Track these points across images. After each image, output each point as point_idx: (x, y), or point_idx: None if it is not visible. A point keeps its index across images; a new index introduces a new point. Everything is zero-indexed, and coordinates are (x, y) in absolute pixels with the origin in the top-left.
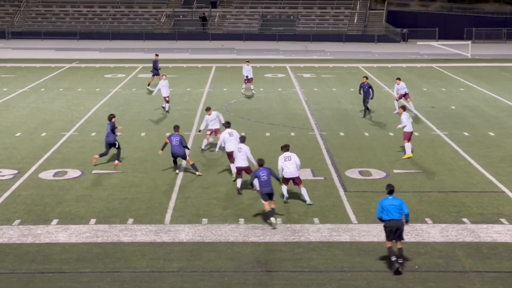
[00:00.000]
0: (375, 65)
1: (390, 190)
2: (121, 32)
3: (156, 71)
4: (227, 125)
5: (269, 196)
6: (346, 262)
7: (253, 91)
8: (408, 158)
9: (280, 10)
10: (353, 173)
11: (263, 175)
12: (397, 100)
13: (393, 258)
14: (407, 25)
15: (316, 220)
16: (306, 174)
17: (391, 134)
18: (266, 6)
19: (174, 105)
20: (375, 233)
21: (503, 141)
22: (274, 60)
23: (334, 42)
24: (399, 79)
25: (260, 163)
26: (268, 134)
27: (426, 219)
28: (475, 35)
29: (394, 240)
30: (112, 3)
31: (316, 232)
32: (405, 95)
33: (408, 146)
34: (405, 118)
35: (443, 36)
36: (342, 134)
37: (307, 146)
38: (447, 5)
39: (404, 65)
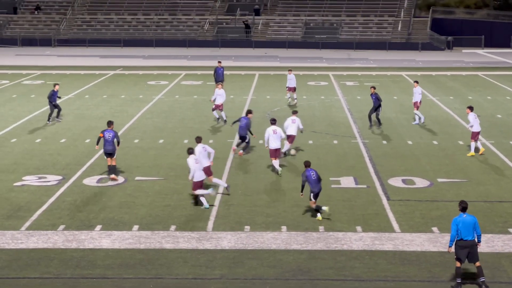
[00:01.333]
0: (419, 73)
1: (463, 207)
2: (164, 39)
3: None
4: (273, 121)
5: (317, 195)
6: (389, 271)
7: (295, 100)
8: (471, 156)
9: (323, 18)
10: (396, 182)
11: (313, 175)
12: (416, 109)
13: (458, 280)
14: (452, 33)
15: (358, 228)
16: (349, 182)
17: (434, 142)
18: (309, 14)
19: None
20: (419, 242)
21: None
22: (317, 68)
23: (378, 50)
24: (417, 82)
25: (307, 164)
26: (311, 142)
27: None
28: None
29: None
30: (156, 10)
31: (359, 240)
32: (415, 103)
33: (473, 145)
34: (472, 118)
35: (489, 44)
36: (385, 142)
37: (349, 154)
38: (493, 12)
39: (448, 73)
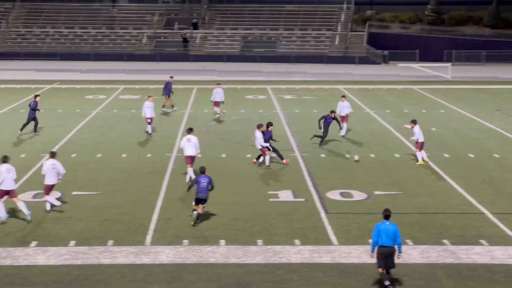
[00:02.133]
0: (356, 86)
1: (386, 215)
2: (102, 53)
3: (168, 92)
4: (189, 130)
5: (200, 201)
6: (327, 283)
7: (218, 114)
8: (420, 165)
9: (261, 31)
10: (334, 195)
11: (203, 182)
12: (340, 122)
13: (387, 283)
14: (387, 47)
15: (297, 241)
16: (287, 196)
17: (372, 155)
18: (247, 28)
19: (155, 126)
20: (356, 254)
21: (483, 162)
22: (255, 81)
23: (315, 63)
24: (344, 96)
25: (202, 170)
26: (249, 155)
27: (407, 240)
28: (455, 58)
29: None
30: (93, 24)
31: (297, 253)
32: (344, 116)
33: (419, 154)
34: (417, 131)
35: (424, 58)
36: (323, 155)
37: (288, 167)
38: (427, 27)
39: (385, 86)
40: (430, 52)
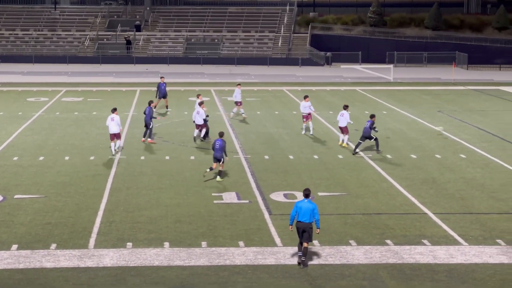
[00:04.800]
0: (299, 88)
1: (306, 194)
2: (44, 55)
3: (162, 93)
4: (113, 110)
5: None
6: (272, 285)
7: (243, 114)
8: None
9: (205, 33)
10: (278, 196)
11: (217, 144)
12: (304, 122)
13: (299, 253)
14: (330, 49)
15: (241, 243)
16: (231, 198)
17: (315, 157)
18: (190, 30)
19: (98, 129)
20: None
21: (425, 163)
22: (199, 83)
23: (259, 65)
24: (307, 96)
25: (220, 134)
26: (192, 157)
27: (350, 241)
28: (397, 59)
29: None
30: (35, 26)
31: (241, 255)
32: (308, 115)
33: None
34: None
35: (366, 59)
36: (267, 157)
37: (231, 169)
38: (369, 29)
39: (328, 88)
40: (372, 53)
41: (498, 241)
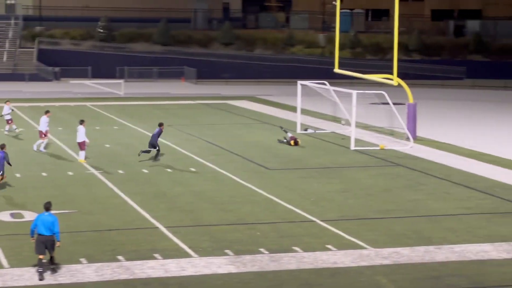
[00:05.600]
0: (26, 104)
1: (47, 207)
2: None
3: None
4: None
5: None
6: None
7: None
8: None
9: None
10: (4, 216)
11: None
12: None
13: (40, 270)
14: (59, 64)
15: None
16: None
17: (44, 174)
18: None
19: None
20: (28, 276)
21: (156, 178)
22: None
23: None
24: (48, 112)
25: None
26: None
27: (80, 259)
28: (127, 74)
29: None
30: None
31: None
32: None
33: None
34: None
35: (97, 75)
36: None
37: None
38: (99, 44)
39: (57, 103)
40: (103, 68)
41: (227, 251)
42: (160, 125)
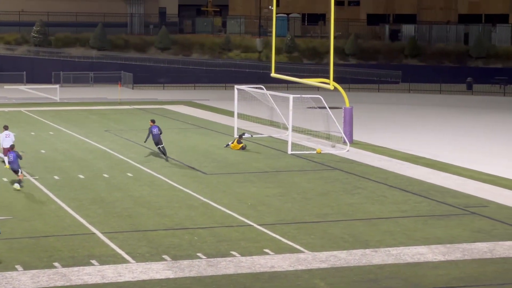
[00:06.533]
0: None
1: None
2: None
3: None
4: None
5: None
6: None
7: None
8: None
9: None
10: None
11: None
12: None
13: None
14: None
15: None
16: None
17: None
18: None
19: None
20: None
21: (93, 183)
22: None
23: None
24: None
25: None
26: None
27: (16, 266)
28: (63, 79)
29: None
30: None
31: None
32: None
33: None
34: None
35: (32, 80)
36: None
37: None
38: (34, 49)
39: None
40: (38, 73)
41: (164, 256)
42: (153, 121)
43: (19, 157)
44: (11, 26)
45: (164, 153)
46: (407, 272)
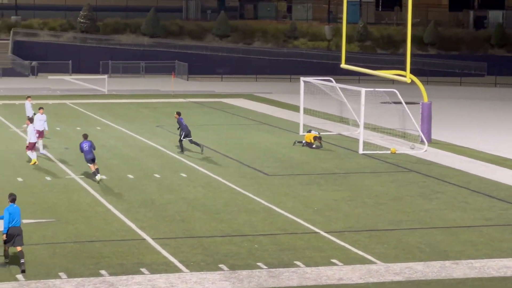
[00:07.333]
0: (0, 102)
1: (13, 199)
2: None
3: None
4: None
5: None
6: None
7: None
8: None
9: None
10: None
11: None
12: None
13: (7, 260)
14: (36, 57)
15: None
16: None
17: (19, 179)
18: None
19: None
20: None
21: (143, 183)
22: None
23: None
24: (42, 108)
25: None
26: None
27: (60, 273)
28: (112, 69)
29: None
30: None
31: None
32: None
33: (31, 154)
34: (30, 130)
35: (78, 70)
36: None
37: None
38: (80, 35)
39: (34, 101)
40: (85, 62)
41: (221, 265)
42: (179, 114)
43: (93, 147)
44: (56, 11)
45: (197, 144)
46: (492, 287)
